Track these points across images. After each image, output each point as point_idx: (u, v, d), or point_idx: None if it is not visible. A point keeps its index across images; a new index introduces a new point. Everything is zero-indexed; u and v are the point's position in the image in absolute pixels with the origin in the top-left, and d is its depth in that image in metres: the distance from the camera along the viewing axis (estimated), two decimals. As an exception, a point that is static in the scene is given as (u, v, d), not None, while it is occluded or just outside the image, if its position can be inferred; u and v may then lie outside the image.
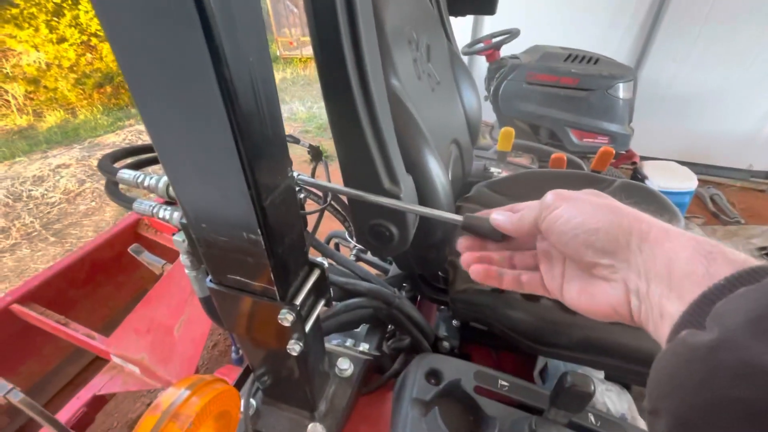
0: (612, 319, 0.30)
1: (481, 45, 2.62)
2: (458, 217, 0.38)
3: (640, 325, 0.28)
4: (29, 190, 3.03)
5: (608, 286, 0.29)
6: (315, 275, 0.42)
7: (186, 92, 0.25)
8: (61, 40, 4.91)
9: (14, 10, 4.62)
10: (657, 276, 0.25)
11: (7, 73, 4.76)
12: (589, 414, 0.60)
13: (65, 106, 5.02)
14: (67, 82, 5.00)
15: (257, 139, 0.29)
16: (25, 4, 4.64)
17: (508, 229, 0.35)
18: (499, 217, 0.36)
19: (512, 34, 2.52)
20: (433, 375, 0.61)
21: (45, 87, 4.89)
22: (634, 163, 2.63)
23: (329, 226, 1.42)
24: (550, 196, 0.32)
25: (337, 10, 0.38)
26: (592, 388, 0.50)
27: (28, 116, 4.68)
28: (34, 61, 4.89)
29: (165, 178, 0.55)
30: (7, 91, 4.75)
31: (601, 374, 0.78)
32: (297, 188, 0.42)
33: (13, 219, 2.71)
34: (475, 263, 0.37)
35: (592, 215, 0.29)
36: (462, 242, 0.40)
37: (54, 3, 4.78)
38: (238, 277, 0.38)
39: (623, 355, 0.64)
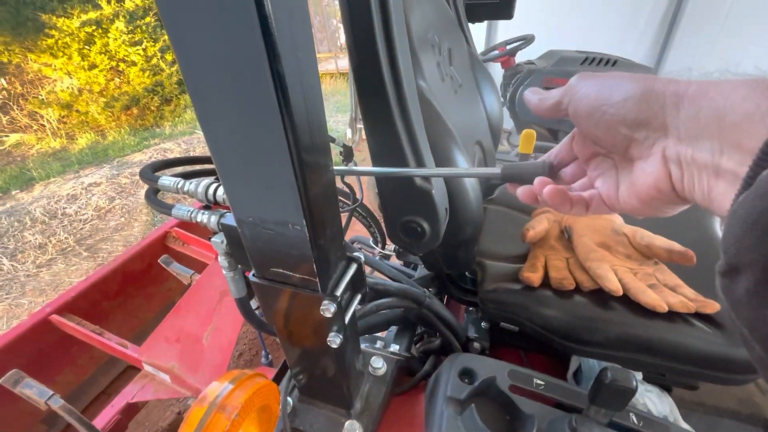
0: (658, 204, 0.27)
1: (496, 52, 2.63)
2: (496, 170, 0.37)
3: (685, 197, 0.25)
4: (63, 208, 3.18)
5: (645, 164, 0.26)
6: (353, 269, 0.43)
7: (241, 85, 0.27)
8: (92, 66, 5.19)
9: (50, 41, 4.93)
10: (703, 132, 0.22)
11: (43, 99, 5.06)
12: (631, 413, 0.58)
13: (95, 129, 5.28)
14: (98, 105, 5.27)
15: (304, 131, 0.31)
16: (60, 34, 4.95)
17: (533, 103, 0.35)
18: (529, 93, 0.35)
19: (527, 40, 2.53)
20: (467, 374, 0.61)
21: (77, 111, 5.17)
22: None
23: (352, 231, 1.44)
24: (574, 78, 0.31)
25: (372, 12, 0.40)
26: (635, 383, 0.49)
27: (62, 139, 4.94)
28: (67, 87, 5.19)
29: (204, 182, 0.58)
30: (42, 116, 5.03)
31: (639, 375, 0.75)
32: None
33: (49, 235, 2.84)
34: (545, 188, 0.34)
35: (618, 87, 0.27)
36: (520, 192, 0.37)
37: (86, 32, 5.08)
38: (281, 270, 0.39)
39: (663, 352, 0.62)
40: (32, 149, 4.73)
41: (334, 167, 0.37)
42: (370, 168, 0.42)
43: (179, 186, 0.60)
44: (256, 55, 0.25)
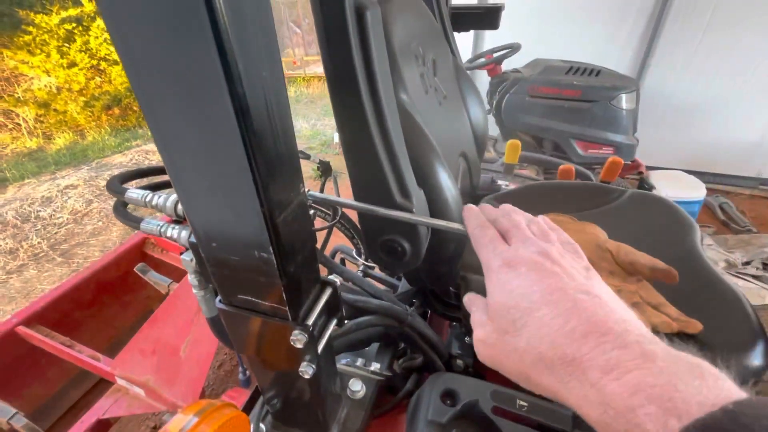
0: None
1: (483, 60, 2.65)
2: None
3: None
4: (37, 211, 3.06)
5: None
6: (327, 293, 0.41)
7: (198, 109, 0.25)
8: (72, 64, 5.04)
9: (27, 37, 4.76)
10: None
11: (19, 97, 4.88)
12: (615, 436, 0.57)
13: (74, 128, 5.11)
14: (77, 104, 5.11)
15: (270, 155, 0.28)
16: (38, 31, 4.79)
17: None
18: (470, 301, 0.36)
19: (513, 48, 2.56)
20: (449, 395, 0.59)
21: (55, 110, 5.00)
22: (640, 173, 2.62)
23: (332, 240, 1.41)
24: (478, 333, 0.31)
25: (348, 24, 0.38)
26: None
27: (38, 138, 4.77)
28: (45, 86, 5.02)
29: (173, 197, 0.54)
30: (18, 115, 4.86)
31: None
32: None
33: (21, 240, 2.73)
34: None
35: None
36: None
37: (65, 30, 4.93)
38: (249, 297, 0.37)
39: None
40: (7, 149, 4.55)
41: (309, 192, 0.35)
42: (346, 200, 0.40)
43: (147, 199, 0.57)
44: (212, 79, 0.23)
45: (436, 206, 0.57)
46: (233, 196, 0.29)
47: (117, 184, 0.62)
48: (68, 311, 1.51)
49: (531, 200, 0.96)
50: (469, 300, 0.36)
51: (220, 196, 0.30)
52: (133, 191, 0.59)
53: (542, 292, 0.26)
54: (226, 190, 0.29)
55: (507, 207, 0.38)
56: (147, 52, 0.23)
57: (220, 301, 0.40)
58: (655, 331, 0.60)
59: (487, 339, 0.29)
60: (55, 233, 2.83)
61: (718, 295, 0.66)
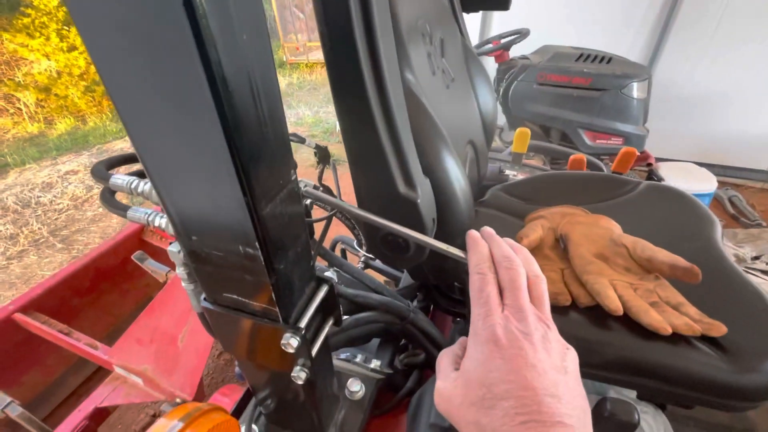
0: None
1: (490, 46, 2.57)
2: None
3: None
4: (38, 197, 3.04)
5: None
6: (322, 292, 0.37)
7: (165, 78, 0.21)
8: (72, 48, 4.96)
9: (26, 20, 4.69)
10: None
11: (19, 81, 4.83)
12: (627, 442, 0.54)
13: (75, 114, 5.07)
14: (78, 89, 5.05)
15: (254, 135, 0.24)
16: (37, 13, 4.71)
17: None
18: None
19: (522, 34, 2.47)
20: (452, 397, 0.56)
21: (56, 95, 4.95)
22: (650, 164, 2.55)
23: (334, 230, 1.37)
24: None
25: (348, -9, 0.33)
26: (636, 417, 0.44)
27: (39, 123, 4.73)
28: (45, 70, 4.96)
29: (160, 184, 0.51)
30: (19, 99, 4.81)
31: (633, 394, 0.71)
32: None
33: (21, 226, 2.71)
34: None
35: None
36: None
37: (64, 12, 4.84)
38: (235, 296, 0.33)
39: (660, 375, 0.58)
40: (8, 134, 4.52)
41: (305, 189, 0.31)
42: (346, 204, 0.36)
43: (132, 186, 0.53)
44: (179, 40, 0.19)
45: (443, 198, 0.53)
46: (212, 183, 0.25)
47: (103, 170, 0.59)
48: (66, 298, 1.50)
49: (541, 191, 0.92)
50: (442, 353, 0.37)
51: (198, 184, 0.26)
52: (119, 177, 0.55)
53: (517, 385, 0.28)
54: (204, 177, 0.25)
55: (512, 251, 0.36)
56: (102, 8, 0.19)
57: (204, 299, 0.36)
58: (676, 332, 0.56)
59: (450, 397, 0.31)
60: (56, 219, 2.82)
61: (740, 295, 0.62)
